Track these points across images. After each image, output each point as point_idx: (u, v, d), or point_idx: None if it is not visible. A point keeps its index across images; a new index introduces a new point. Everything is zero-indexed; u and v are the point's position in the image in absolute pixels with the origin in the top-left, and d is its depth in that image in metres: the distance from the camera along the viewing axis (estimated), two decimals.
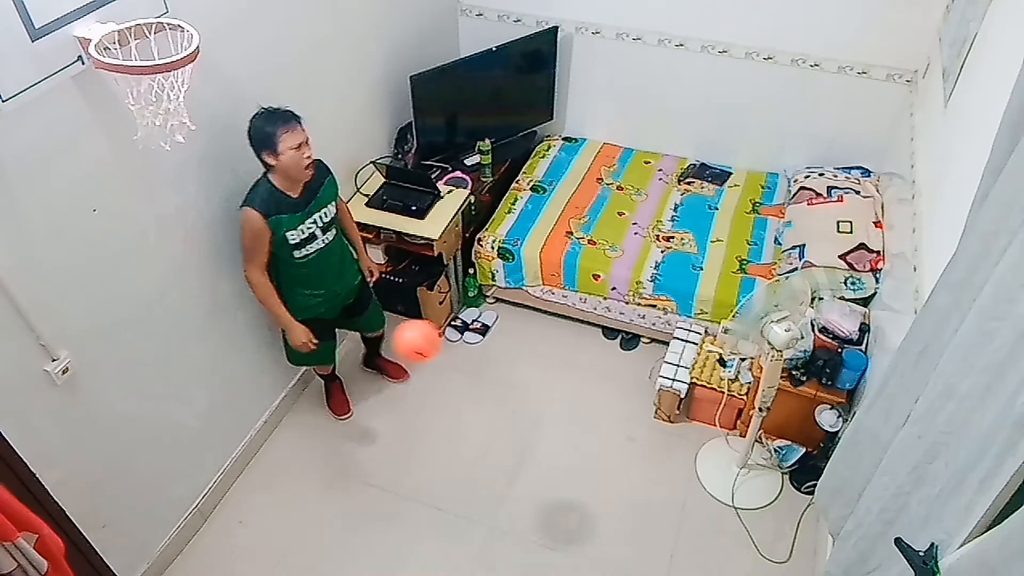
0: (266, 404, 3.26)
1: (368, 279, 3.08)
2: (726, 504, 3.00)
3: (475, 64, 3.67)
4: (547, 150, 4.15)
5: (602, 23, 3.81)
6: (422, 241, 3.40)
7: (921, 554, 1.36)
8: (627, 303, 3.51)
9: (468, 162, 3.85)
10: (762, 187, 3.85)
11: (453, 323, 3.79)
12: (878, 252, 3.08)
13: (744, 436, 3.10)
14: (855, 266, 3.07)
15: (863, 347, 2.83)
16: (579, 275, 3.50)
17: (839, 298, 3.03)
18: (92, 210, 2.16)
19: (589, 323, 3.72)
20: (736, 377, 3.12)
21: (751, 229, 3.61)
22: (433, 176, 3.61)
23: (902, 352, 1.66)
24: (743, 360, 3.08)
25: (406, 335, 2.39)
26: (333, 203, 2.73)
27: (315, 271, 2.74)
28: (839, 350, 2.81)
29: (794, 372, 2.86)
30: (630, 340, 3.68)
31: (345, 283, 2.93)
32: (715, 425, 3.25)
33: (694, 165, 4.02)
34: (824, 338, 2.85)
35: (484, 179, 3.82)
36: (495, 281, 3.75)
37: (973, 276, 1.33)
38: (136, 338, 2.44)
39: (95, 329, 2.28)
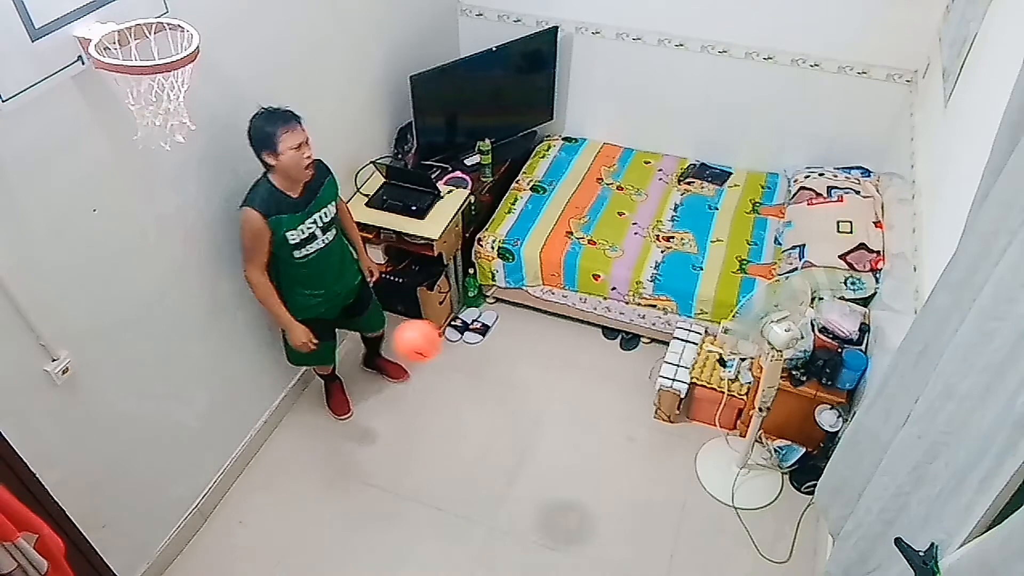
0: (266, 404, 3.26)
1: (368, 279, 3.07)
2: (726, 504, 3.00)
3: (475, 64, 3.67)
4: (547, 150, 4.15)
5: (602, 23, 3.81)
6: (422, 241, 3.40)
7: (921, 554, 1.36)
8: (627, 303, 3.51)
9: (468, 162, 3.85)
10: (762, 187, 3.85)
11: (453, 323, 3.79)
12: (878, 252, 3.08)
13: (744, 436, 3.10)
14: (855, 266, 3.07)
15: (863, 347, 2.83)
16: (579, 275, 3.50)
17: (839, 298, 3.03)
18: (92, 210, 2.16)
19: (589, 323, 3.72)
20: (736, 377, 3.12)
21: (751, 229, 3.61)
22: (433, 176, 3.61)
23: (902, 352, 1.66)
24: (743, 360, 3.08)
25: (406, 335, 2.39)
26: (333, 203, 2.73)
27: (315, 271, 2.74)
28: (839, 350, 2.81)
29: (794, 372, 2.86)
30: (630, 340, 3.68)
31: (345, 283, 2.93)
32: (715, 425, 3.25)
33: (694, 165, 4.02)
34: (824, 338, 2.85)
35: (484, 179, 3.82)
36: (495, 281, 3.75)
37: (973, 276, 1.33)
38: (136, 338, 2.44)
39: (95, 329, 2.28)
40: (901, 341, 1.68)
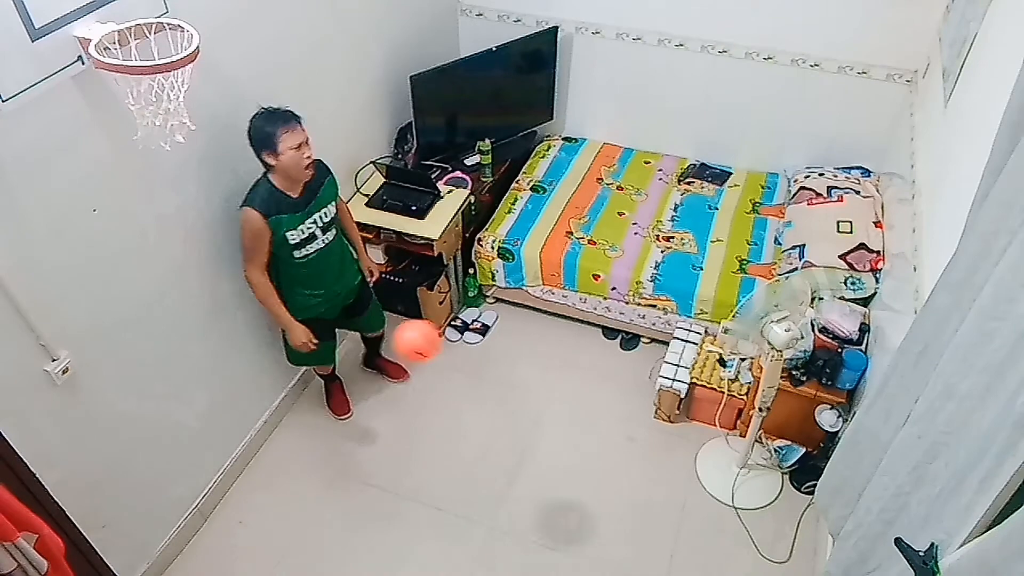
0: (266, 404, 3.26)
1: (368, 279, 3.08)
2: (726, 504, 3.00)
3: (475, 64, 3.67)
4: (547, 150, 4.15)
5: (602, 23, 3.81)
6: (422, 241, 3.40)
7: (921, 554, 1.36)
8: (627, 303, 3.51)
9: (468, 162, 3.85)
10: (762, 187, 3.85)
11: (453, 323, 3.79)
12: (878, 252, 3.08)
13: (744, 436, 3.10)
14: (855, 266, 3.07)
15: (863, 347, 2.83)
16: (579, 275, 3.50)
17: (839, 298, 3.03)
18: (92, 210, 2.16)
19: (589, 323, 3.72)
20: (736, 377, 3.12)
21: (751, 229, 3.61)
22: (433, 176, 3.61)
23: (902, 352, 1.66)
24: (743, 360, 3.08)
25: (406, 335, 2.39)
26: (333, 203, 2.73)
27: (315, 271, 2.74)
28: (839, 350, 2.81)
29: (794, 372, 2.86)
30: (630, 340, 3.68)
31: (345, 283, 2.93)
32: (715, 425, 3.25)
33: (694, 165, 4.02)
34: (824, 338, 2.85)
35: (484, 179, 3.82)
36: (495, 281, 3.75)
37: (973, 276, 1.33)
38: (136, 338, 2.44)
39: (95, 329, 2.28)
40: (902, 341, 1.68)
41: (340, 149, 3.32)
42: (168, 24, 1.97)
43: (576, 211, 3.72)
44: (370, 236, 3.50)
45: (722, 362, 3.15)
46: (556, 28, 3.80)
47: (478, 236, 3.66)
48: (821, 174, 3.59)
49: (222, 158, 2.60)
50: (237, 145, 2.48)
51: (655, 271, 3.41)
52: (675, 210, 3.74)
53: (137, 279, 2.40)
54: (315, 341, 2.81)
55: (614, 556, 2.86)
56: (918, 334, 1.59)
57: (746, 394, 3.09)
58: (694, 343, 3.30)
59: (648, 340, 3.65)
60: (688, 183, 3.90)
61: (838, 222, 3.24)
